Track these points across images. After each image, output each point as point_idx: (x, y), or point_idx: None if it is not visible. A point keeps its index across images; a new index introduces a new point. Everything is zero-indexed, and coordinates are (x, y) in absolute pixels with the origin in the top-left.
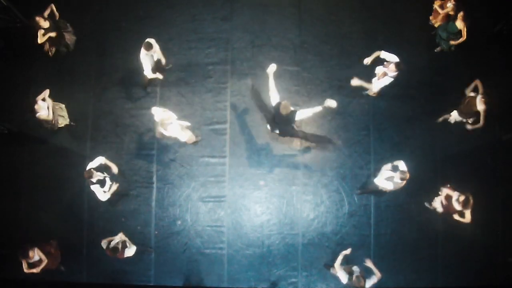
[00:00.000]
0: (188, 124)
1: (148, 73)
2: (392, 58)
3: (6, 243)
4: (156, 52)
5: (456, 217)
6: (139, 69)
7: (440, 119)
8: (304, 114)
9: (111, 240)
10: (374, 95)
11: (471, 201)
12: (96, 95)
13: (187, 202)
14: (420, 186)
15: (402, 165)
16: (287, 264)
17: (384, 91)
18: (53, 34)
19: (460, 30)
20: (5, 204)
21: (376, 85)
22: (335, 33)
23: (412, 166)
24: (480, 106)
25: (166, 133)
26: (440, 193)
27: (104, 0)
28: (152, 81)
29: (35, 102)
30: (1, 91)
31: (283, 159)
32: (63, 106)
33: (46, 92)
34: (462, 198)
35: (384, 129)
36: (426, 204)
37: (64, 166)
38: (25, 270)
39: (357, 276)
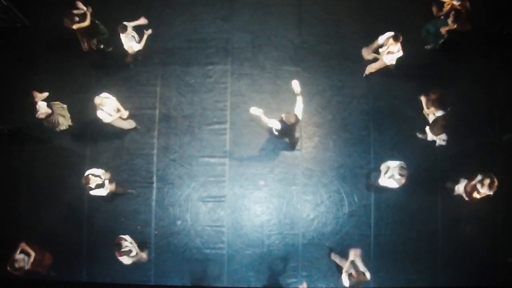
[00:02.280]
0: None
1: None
2: (387, 35)
3: (6, 243)
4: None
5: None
6: (139, 68)
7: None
8: (299, 109)
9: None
10: (371, 73)
11: (496, 181)
12: (96, 95)
13: (187, 202)
14: (420, 186)
15: (393, 163)
16: (287, 264)
17: (383, 91)
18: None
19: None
20: (5, 204)
21: (387, 59)
22: (335, 33)
23: (412, 166)
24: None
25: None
26: (459, 184)
27: (104, 0)
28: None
29: (35, 102)
30: (1, 91)
31: (283, 159)
32: (65, 106)
33: (45, 95)
34: (487, 180)
35: (384, 129)
36: (448, 185)
37: (64, 166)
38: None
39: (357, 271)
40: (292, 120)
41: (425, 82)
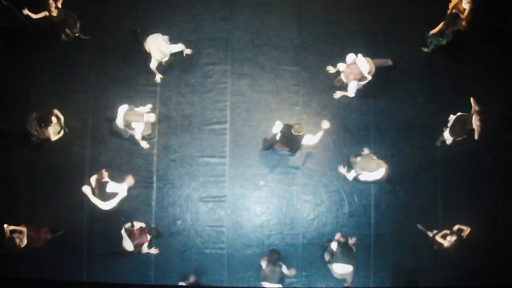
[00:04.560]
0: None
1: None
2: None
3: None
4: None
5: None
6: (139, 68)
7: (438, 143)
8: (309, 140)
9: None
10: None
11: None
12: (96, 95)
13: (187, 202)
14: (420, 186)
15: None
16: (287, 264)
17: (383, 92)
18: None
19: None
20: (5, 204)
21: (349, 88)
22: (335, 33)
23: (412, 166)
24: (476, 123)
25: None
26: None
27: (104, 0)
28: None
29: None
30: (1, 91)
31: (283, 159)
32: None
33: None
34: (453, 238)
35: (384, 129)
36: (420, 227)
37: (64, 166)
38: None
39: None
40: (301, 132)
41: (425, 82)
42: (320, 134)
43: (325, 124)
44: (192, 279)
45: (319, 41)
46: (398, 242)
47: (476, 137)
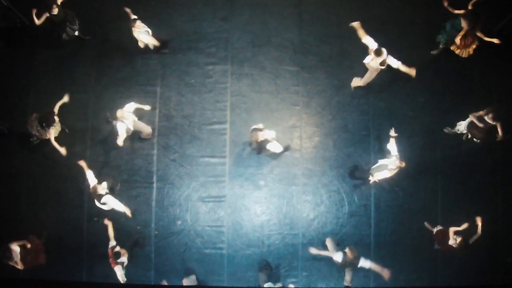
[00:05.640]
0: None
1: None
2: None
3: (6, 243)
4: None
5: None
6: (139, 68)
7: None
8: (272, 148)
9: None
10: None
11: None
12: (96, 95)
13: (187, 202)
14: (420, 186)
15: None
16: (287, 264)
17: (383, 92)
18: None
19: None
20: (5, 205)
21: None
22: (335, 33)
23: (412, 166)
24: (494, 122)
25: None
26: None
27: (103, 0)
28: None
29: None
30: (1, 91)
31: (283, 159)
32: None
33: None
34: (459, 239)
35: (384, 129)
36: (426, 224)
37: (64, 166)
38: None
39: (350, 248)
40: (256, 139)
41: (425, 82)
42: (275, 142)
43: (271, 134)
44: (193, 278)
45: (319, 41)
46: (398, 242)
47: (500, 134)
